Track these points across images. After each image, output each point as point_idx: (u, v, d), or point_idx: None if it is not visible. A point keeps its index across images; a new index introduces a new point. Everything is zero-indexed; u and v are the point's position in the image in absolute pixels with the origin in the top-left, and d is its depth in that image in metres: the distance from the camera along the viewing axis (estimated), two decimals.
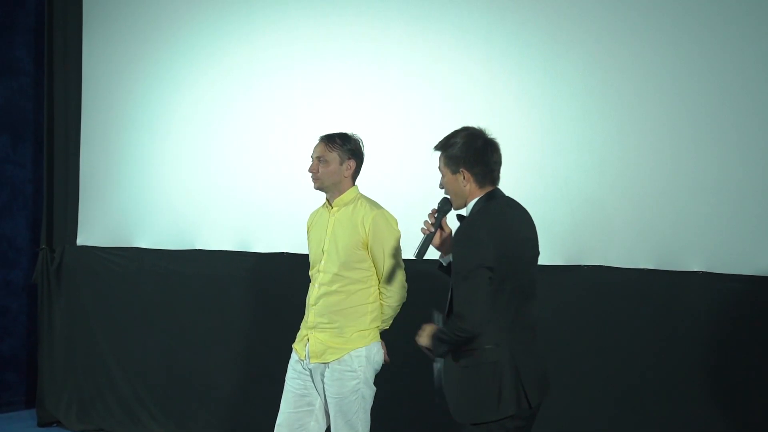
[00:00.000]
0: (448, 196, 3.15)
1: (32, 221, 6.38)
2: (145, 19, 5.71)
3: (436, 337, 3.02)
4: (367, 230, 3.58)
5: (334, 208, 3.69)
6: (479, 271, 2.89)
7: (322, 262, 3.65)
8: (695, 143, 3.92)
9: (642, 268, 4.01)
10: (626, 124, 4.08)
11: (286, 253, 4.97)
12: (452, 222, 3.21)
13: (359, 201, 3.67)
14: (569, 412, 4.10)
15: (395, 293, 3.65)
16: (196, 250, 5.35)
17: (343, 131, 3.73)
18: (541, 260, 3.99)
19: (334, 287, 3.61)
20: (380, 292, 3.65)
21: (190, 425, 5.35)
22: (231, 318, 5.23)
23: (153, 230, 5.58)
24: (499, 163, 3.11)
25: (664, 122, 3.99)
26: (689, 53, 3.94)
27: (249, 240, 5.18)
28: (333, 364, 3.58)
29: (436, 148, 3.14)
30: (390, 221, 3.64)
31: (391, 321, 3.75)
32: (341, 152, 3.65)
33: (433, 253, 3.25)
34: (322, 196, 3.79)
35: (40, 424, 5.85)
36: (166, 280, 5.47)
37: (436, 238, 3.19)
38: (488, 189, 3.08)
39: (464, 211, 3.12)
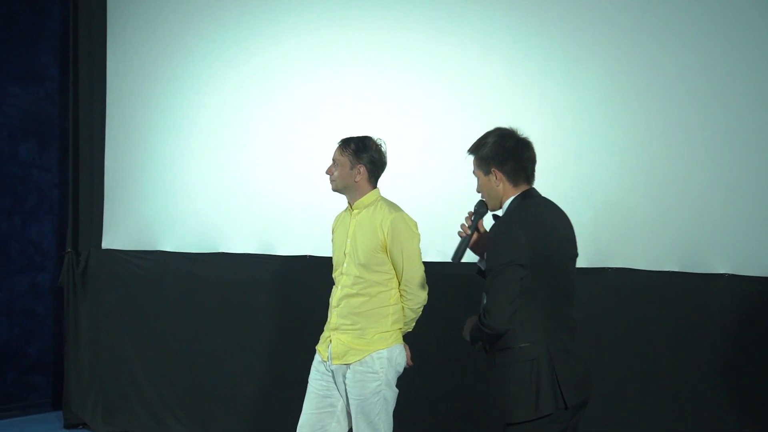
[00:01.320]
0: (484, 199, 3.14)
1: (58, 225, 6.45)
2: (167, 24, 5.74)
3: (471, 335, 3.04)
4: (386, 233, 3.59)
5: (355, 211, 3.72)
6: (511, 268, 2.87)
7: (344, 264, 3.68)
8: (720, 144, 3.89)
9: (666, 270, 3.98)
10: (650, 126, 4.05)
11: (309, 256, 4.99)
12: (488, 224, 3.19)
13: (379, 204, 3.69)
14: (590, 414, 4.07)
15: (415, 295, 3.65)
16: (219, 253, 5.37)
17: (365, 135, 3.75)
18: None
19: (355, 289, 3.63)
20: (401, 295, 3.66)
21: (214, 427, 5.38)
22: (254, 321, 5.25)
23: (177, 233, 5.61)
24: (532, 161, 3.10)
25: (688, 123, 3.97)
26: (713, 54, 3.91)
27: (272, 243, 5.19)
28: (355, 365, 3.59)
29: (470, 151, 3.13)
30: (409, 223, 3.64)
31: (414, 323, 3.75)
32: (352, 157, 3.67)
33: (468, 257, 3.23)
34: (343, 199, 3.80)
35: (67, 426, 5.90)
36: (190, 283, 5.50)
37: (473, 241, 3.18)
38: (523, 188, 3.07)
39: (500, 212, 3.11)
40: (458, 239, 3.18)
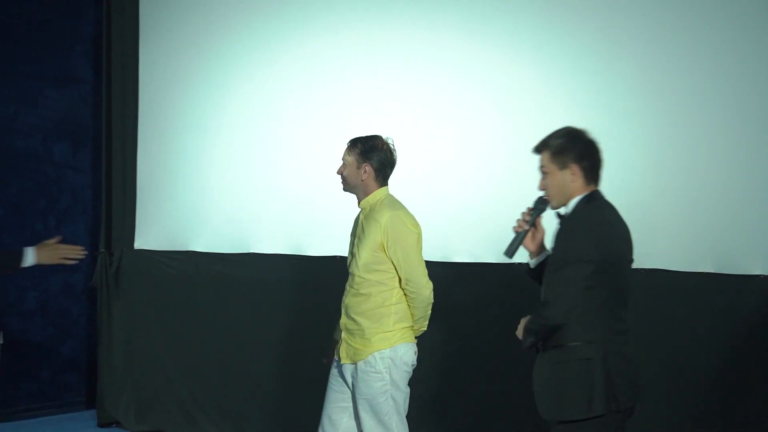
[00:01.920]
0: (544, 196, 3.11)
1: (91, 226, 6.51)
2: (198, 27, 5.78)
3: (526, 328, 3.00)
4: (382, 231, 3.57)
5: (362, 211, 3.73)
6: (576, 265, 2.87)
7: (352, 264, 3.70)
8: (752, 143, 3.85)
9: (701, 271, 3.94)
10: (682, 126, 4.02)
11: (339, 256, 4.99)
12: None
13: (382, 202, 3.67)
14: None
15: (418, 293, 3.60)
16: (250, 253, 5.40)
17: (373, 135, 3.75)
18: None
19: (357, 289, 3.64)
20: (405, 294, 3.62)
21: (246, 426, 5.40)
22: (284, 321, 5.27)
23: (208, 234, 5.64)
24: (602, 161, 3.09)
25: (720, 123, 3.93)
26: (744, 53, 3.87)
27: (303, 244, 5.21)
28: (360, 364, 3.59)
29: (538, 148, 3.11)
30: (405, 221, 3.60)
31: (426, 322, 3.70)
32: (359, 157, 3.68)
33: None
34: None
35: (100, 425, 5.95)
36: (221, 284, 5.53)
37: (528, 238, 3.15)
38: (592, 187, 3.06)
39: (562, 211, 3.09)
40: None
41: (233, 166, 5.57)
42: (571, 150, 3.03)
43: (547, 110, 4.37)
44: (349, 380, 3.65)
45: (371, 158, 3.67)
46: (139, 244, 5.99)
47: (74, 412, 6.31)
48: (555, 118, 4.33)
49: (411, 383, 4.50)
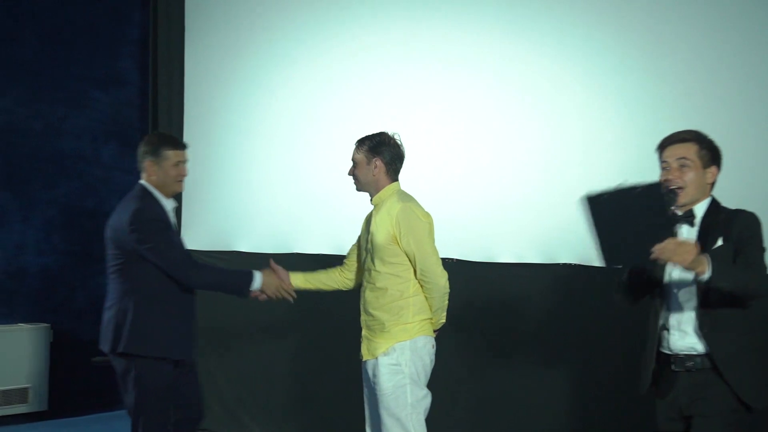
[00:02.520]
0: (675, 188, 3.08)
1: None
2: (241, 29, 5.83)
3: (717, 262, 2.83)
4: (394, 224, 3.57)
5: (375, 207, 3.73)
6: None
7: (366, 260, 3.70)
8: None
9: None
10: (728, 125, 3.93)
11: None
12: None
13: (393, 196, 3.67)
14: None
15: (433, 283, 3.58)
16: (294, 253, 5.41)
17: (380, 131, 3.77)
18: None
19: (374, 284, 3.64)
20: (421, 286, 3.60)
21: (289, 427, 5.42)
22: (329, 321, 5.27)
23: (253, 234, 5.68)
24: None
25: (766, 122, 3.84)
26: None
27: (346, 244, 5.20)
28: (380, 358, 3.58)
29: (685, 137, 3.16)
30: (416, 212, 3.60)
31: (444, 313, 3.67)
32: (367, 153, 3.71)
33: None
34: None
35: None
36: None
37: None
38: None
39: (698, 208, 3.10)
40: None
41: (277, 166, 5.59)
42: (717, 153, 3.12)
43: (591, 108, 4.31)
44: (372, 376, 3.63)
45: (381, 152, 3.69)
46: (185, 244, 6.04)
47: (122, 410, 6.37)
48: (604, 118, 4.30)
49: (455, 383, 4.50)
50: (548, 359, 4.44)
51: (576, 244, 4.36)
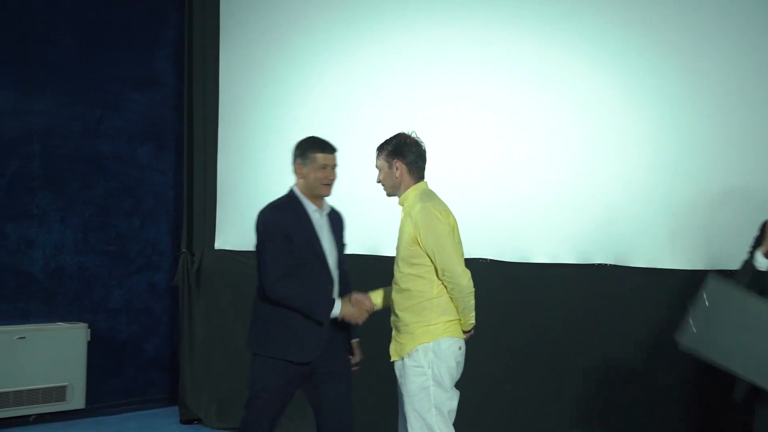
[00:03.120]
0: None
1: (173, 226, 6.66)
2: (276, 30, 5.86)
3: None
4: (414, 224, 3.54)
5: (402, 209, 3.69)
6: None
7: (394, 261, 3.68)
8: None
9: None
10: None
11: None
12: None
13: (415, 197, 3.63)
14: None
15: (455, 283, 3.53)
16: None
17: (397, 133, 3.74)
18: (683, 264, 3.87)
19: (399, 285, 3.62)
20: (444, 286, 3.56)
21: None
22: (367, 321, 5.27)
23: None
24: None
25: None
26: None
27: (379, 244, 5.21)
28: (405, 359, 3.57)
29: None
30: (435, 212, 3.54)
31: (472, 314, 3.60)
32: (388, 157, 3.68)
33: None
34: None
35: (182, 421, 6.05)
36: None
37: None
38: None
39: None
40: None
41: None
42: None
43: (629, 107, 4.29)
44: (398, 377, 3.63)
45: (401, 154, 3.66)
46: (219, 244, 6.09)
47: (157, 409, 6.44)
48: (640, 116, 4.27)
49: (489, 384, 4.48)
50: (583, 360, 4.41)
51: (611, 244, 4.33)
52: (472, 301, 3.59)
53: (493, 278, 4.23)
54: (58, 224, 6.14)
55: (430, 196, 3.65)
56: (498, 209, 4.71)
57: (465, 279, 3.55)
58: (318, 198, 3.86)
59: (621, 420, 4.28)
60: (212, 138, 6.15)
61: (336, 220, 3.97)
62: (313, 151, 3.81)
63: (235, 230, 6.03)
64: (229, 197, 6.08)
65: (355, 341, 3.94)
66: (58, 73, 6.14)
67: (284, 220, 3.79)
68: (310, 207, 3.85)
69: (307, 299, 3.73)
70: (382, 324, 5.17)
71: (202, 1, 6.26)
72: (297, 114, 5.71)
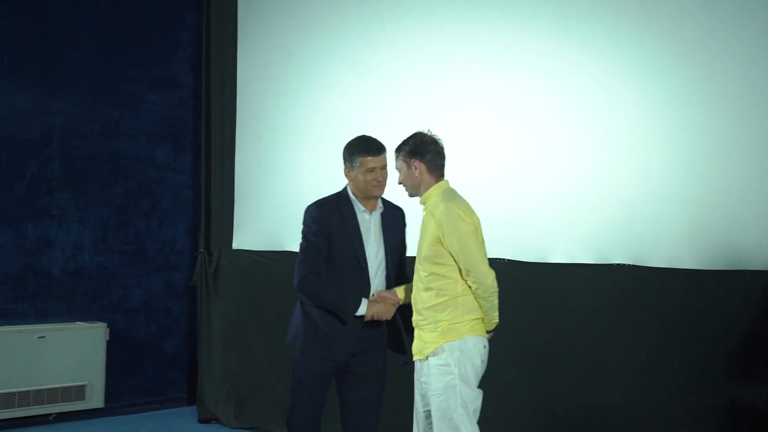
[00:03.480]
0: None
1: (191, 226, 6.68)
2: (294, 30, 5.87)
3: None
4: (437, 224, 3.51)
5: (424, 207, 3.67)
6: None
7: (416, 260, 3.65)
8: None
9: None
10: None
11: None
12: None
13: (437, 196, 3.60)
14: None
15: (480, 283, 3.50)
16: None
17: (414, 133, 3.71)
18: (702, 264, 3.83)
19: (423, 284, 3.59)
20: (468, 286, 3.53)
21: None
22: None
23: None
24: None
25: None
26: None
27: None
28: (430, 358, 3.54)
29: None
30: (458, 211, 3.51)
31: (496, 313, 3.59)
32: (406, 157, 3.66)
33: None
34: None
35: (201, 420, 6.08)
36: None
37: None
38: None
39: None
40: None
41: (327, 166, 5.60)
42: None
43: (642, 108, 4.26)
44: (422, 376, 3.60)
45: (419, 153, 3.63)
46: (237, 244, 6.10)
47: (176, 408, 6.48)
48: (657, 115, 4.24)
49: (506, 384, 4.47)
50: (601, 361, 4.38)
51: (629, 244, 4.30)
52: (496, 301, 3.58)
53: (510, 278, 4.21)
54: (77, 224, 6.18)
55: (452, 195, 3.62)
56: (515, 209, 4.70)
57: (490, 279, 3.53)
58: (370, 199, 3.87)
59: (638, 421, 4.25)
60: (230, 138, 6.17)
61: (393, 220, 3.97)
62: (360, 155, 3.80)
63: (253, 230, 6.05)
64: (246, 197, 6.09)
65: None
66: (78, 74, 6.18)
67: (326, 218, 3.82)
68: (359, 207, 3.87)
69: (332, 297, 3.77)
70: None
71: (220, 2, 6.29)
72: (314, 115, 5.72)
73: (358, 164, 3.79)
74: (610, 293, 4.36)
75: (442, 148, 3.69)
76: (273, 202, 5.93)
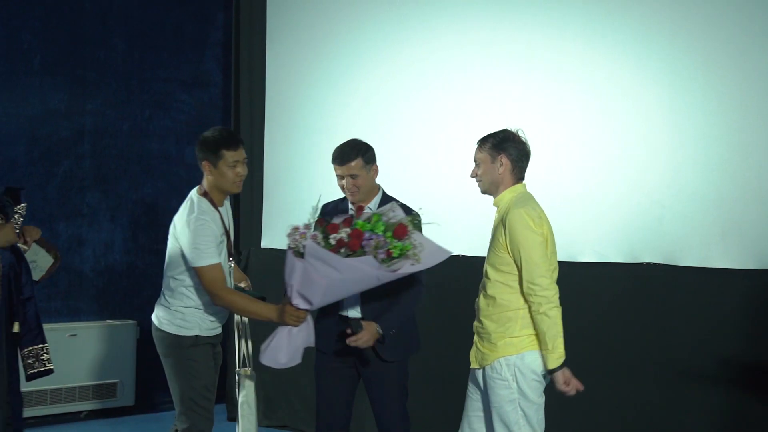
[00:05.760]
0: None
1: None
2: (322, 30, 5.88)
3: None
4: (504, 230, 3.37)
5: (498, 210, 3.52)
6: None
7: (485, 265, 3.53)
8: None
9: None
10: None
11: (462, 256, 4.94)
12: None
13: (511, 200, 3.44)
14: None
15: (537, 296, 3.30)
16: None
17: (502, 129, 3.55)
18: (734, 263, 3.78)
19: (486, 291, 3.46)
20: (525, 300, 3.36)
21: (374, 427, 5.42)
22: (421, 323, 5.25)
23: None
24: None
25: None
26: None
27: None
28: (487, 369, 3.42)
29: None
30: (526, 219, 3.33)
31: (559, 341, 3.32)
32: (492, 150, 3.47)
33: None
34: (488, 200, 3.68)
35: (230, 419, 6.10)
36: None
37: None
38: None
39: None
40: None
41: None
42: None
43: (677, 106, 4.22)
44: (481, 385, 3.49)
45: (506, 149, 3.46)
46: (266, 242, 6.12)
47: None
48: (686, 115, 4.19)
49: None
50: (631, 360, 4.34)
51: (660, 243, 4.26)
52: (559, 326, 3.31)
53: None
54: (108, 223, 6.23)
55: (526, 200, 3.44)
56: (545, 208, 4.66)
57: (550, 292, 3.32)
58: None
59: (668, 420, 4.20)
60: (259, 137, 6.19)
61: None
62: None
63: (282, 229, 6.00)
64: (275, 196, 6.11)
65: (369, 323, 3.70)
66: (109, 74, 6.24)
67: (326, 212, 3.93)
68: (352, 208, 3.89)
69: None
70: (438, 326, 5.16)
71: (249, 2, 6.31)
72: (343, 114, 5.72)
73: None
74: (640, 293, 4.32)
75: (529, 151, 3.52)
76: (302, 201, 5.91)
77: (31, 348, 3.94)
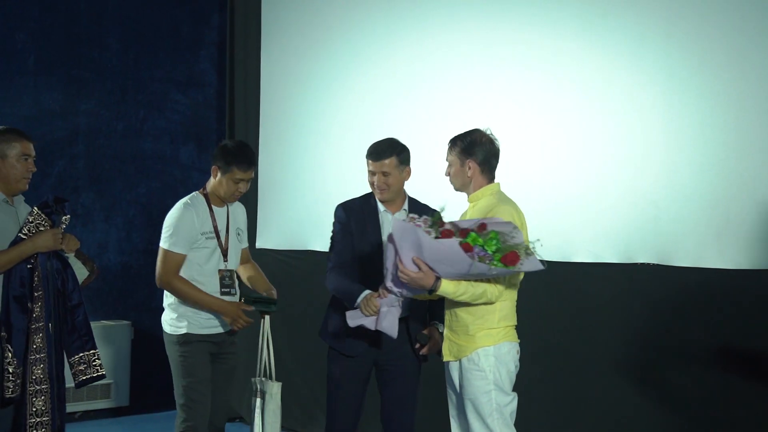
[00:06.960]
0: None
1: None
2: (317, 32, 5.89)
3: None
4: None
5: (470, 204, 3.62)
6: None
7: None
8: None
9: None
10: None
11: None
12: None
13: (492, 197, 3.55)
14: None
15: (498, 288, 3.41)
16: None
17: (472, 129, 3.65)
18: (729, 263, 3.79)
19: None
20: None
21: (371, 428, 5.42)
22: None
23: (327, 233, 5.68)
24: None
25: None
26: None
27: None
28: (463, 361, 3.49)
29: None
30: (515, 217, 3.44)
31: (465, 297, 3.39)
32: (460, 155, 3.59)
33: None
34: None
35: (231, 419, 6.08)
36: None
37: None
38: None
39: None
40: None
41: (350, 166, 5.60)
42: None
43: (668, 106, 4.23)
44: (456, 379, 3.56)
45: (473, 153, 3.58)
46: (260, 243, 6.12)
47: None
48: (683, 115, 4.20)
49: (530, 384, 4.44)
50: (625, 360, 4.34)
51: (655, 243, 4.26)
52: (475, 299, 3.40)
53: (534, 277, 4.17)
54: (102, 223, 6.22)
55: (507, 199, 3.58)
56: (539, 208, 4.66)
57: (498, 289, 3.43)
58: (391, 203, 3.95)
59: (662, 420, 4.21)
60: (253, 138, 6.19)
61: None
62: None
63: (277, 229, 6.06)
64: (270, 197, 6.11)
65: (430, 328, 3.89)
66: (103, 74, 6.23)
67: (346, 214, 3.96)
68: (381, 206, 3.95)
69: (341, 286, 3.83)
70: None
71: (244, 3, 6.31)
72: (338, 115, 5.73)
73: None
74: (635, 293, 4.32)
75: (498, 150, 3.63)
76: (296, 202, 5.94)
77: (82, 354, 3.93)
